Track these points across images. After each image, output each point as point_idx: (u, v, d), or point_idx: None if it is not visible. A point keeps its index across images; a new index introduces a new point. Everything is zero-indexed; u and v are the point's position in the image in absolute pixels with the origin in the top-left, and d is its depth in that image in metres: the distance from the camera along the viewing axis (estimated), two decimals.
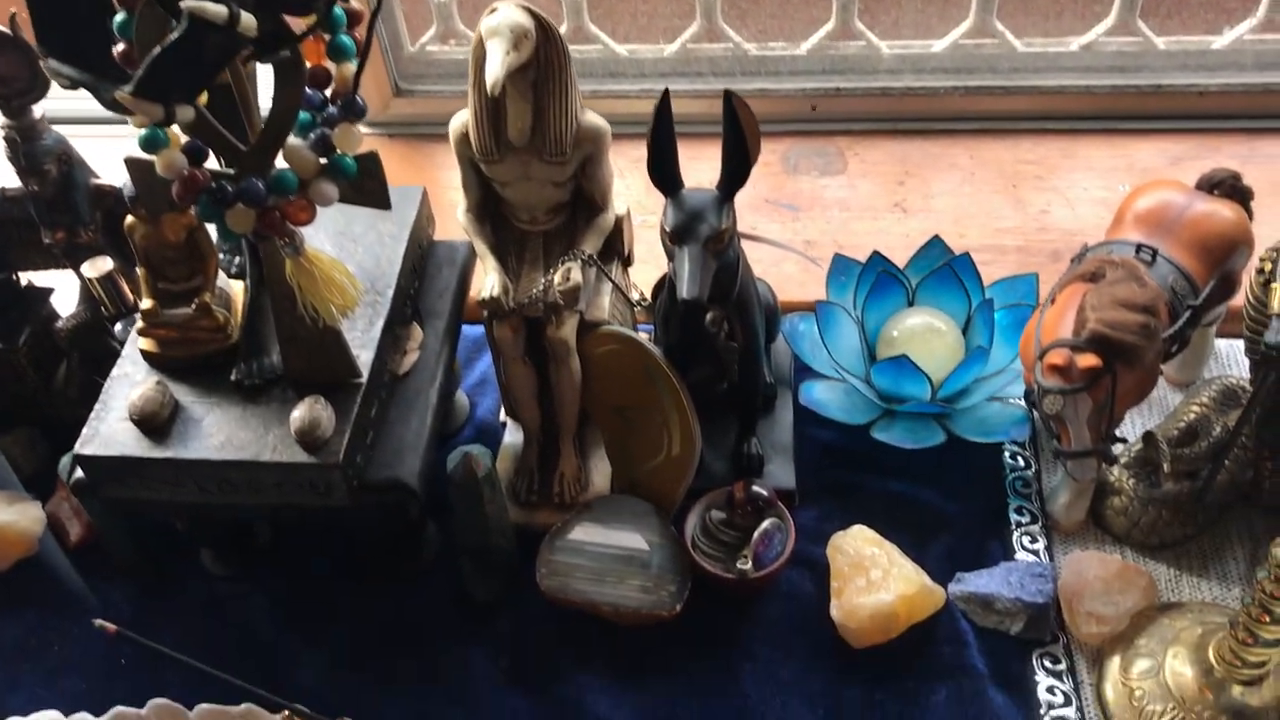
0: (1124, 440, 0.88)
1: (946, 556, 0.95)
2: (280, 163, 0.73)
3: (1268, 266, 0.84)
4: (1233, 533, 0.95)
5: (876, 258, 1.06)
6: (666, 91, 0.81)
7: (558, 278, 0.90)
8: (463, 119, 0.90)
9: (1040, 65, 1.26)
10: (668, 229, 0.81)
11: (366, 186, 0.74)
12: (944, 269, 1.04)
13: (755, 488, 0.94)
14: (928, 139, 1.28)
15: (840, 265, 1.08)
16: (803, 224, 1.21)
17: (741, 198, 1.24)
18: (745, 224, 1.22)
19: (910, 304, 1.07)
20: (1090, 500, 0.96)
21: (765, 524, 0.93)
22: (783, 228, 1.21)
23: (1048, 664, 0.88)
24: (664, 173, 0.82)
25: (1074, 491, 0.95)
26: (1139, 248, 0.87)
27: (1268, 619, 0.75)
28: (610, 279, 0.96)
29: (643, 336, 0.95)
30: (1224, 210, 0.91)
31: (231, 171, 0.72)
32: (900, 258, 1.07)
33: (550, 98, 0.86)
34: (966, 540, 0.96)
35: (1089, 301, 0.78)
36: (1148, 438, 0.92)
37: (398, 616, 0.95)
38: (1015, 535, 0.96)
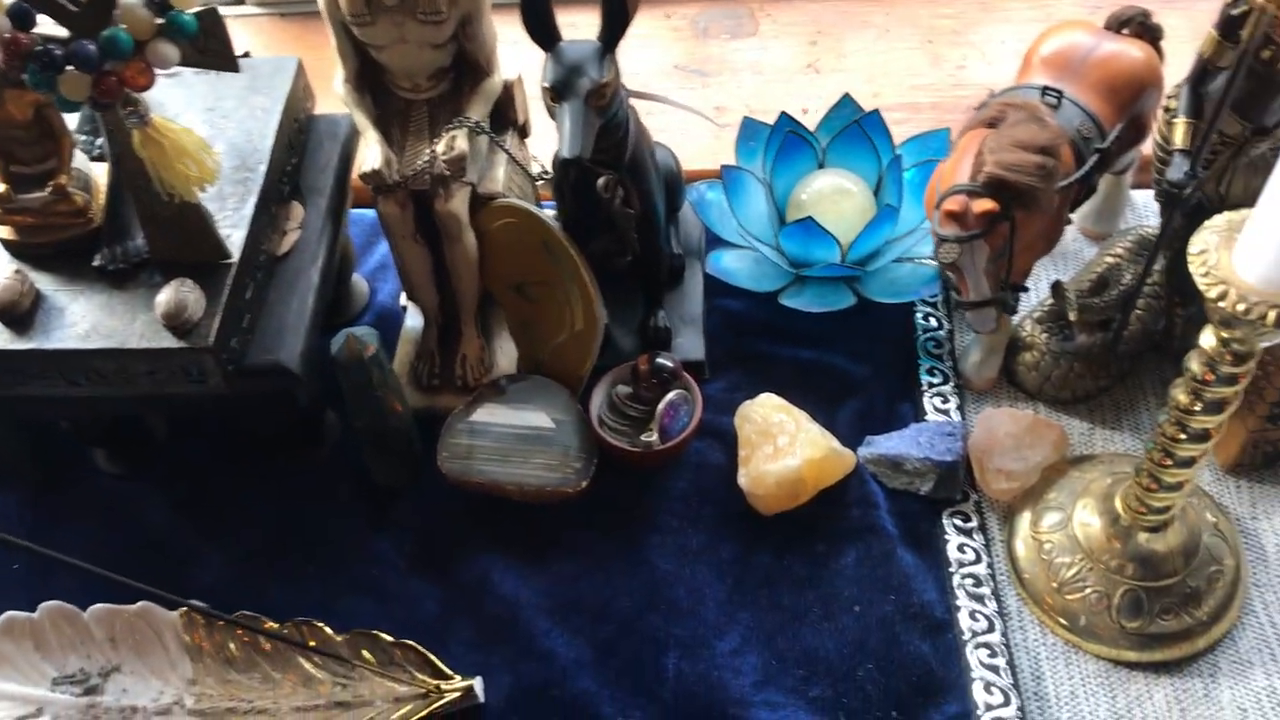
0: (1024, 289, 0.85)
1: (857, 420, 0.94)
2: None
3: (1172, 104, 0.81)
4: (1146, 383, 0.94)
5: (784, 119, 1.02)
6: None
7: (441, 147, 0.85)
8: None
9: None
10: (546, 84, 0.77)
11: (209, 47, 0.69)
12: (853, 128, 1.01)
13: (660, 360, 0.91)
14: None
15: (748, 129, 1.04)
16: (713, 90, 1.17)
17: (650, 64, 1.21)
18: (652, 90, 1.18)
19: (821, 166, 1.03)
20: (1002, 357, 0.94)
21: (670, 396, 0.90)
22: (693, 94, 1.17)
23: (958, 522, 0.87)
24: (538, 24, 0.77)
25: (985, 349, 0.93)
26: (1044, 90, 0.84)
27: (1170, 462, 0.74)
28: (502, 148, 0.92)
29: (542, 210, 0.91)
30: (1132, 50, 0.87)
31: (63, 35, 0.67)
32: (814, 120, 1.03)
33: None
34: (877, 403, 0.95)
35: (987, 145, 0.75)
36: (1055, 288, 0.90)
37: (300, 507, 0.93)
38: (927, 396, 0.94)
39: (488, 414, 0.92)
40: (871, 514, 0.88)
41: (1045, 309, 0.93)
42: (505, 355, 0.98)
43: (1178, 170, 0.75)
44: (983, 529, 0.87)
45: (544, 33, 0.77)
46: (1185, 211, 0.77)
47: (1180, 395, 0.69)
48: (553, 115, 0.78)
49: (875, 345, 0.98)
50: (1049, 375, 0.91)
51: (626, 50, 1.15)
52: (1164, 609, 0.80)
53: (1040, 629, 0.82)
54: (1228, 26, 0.72)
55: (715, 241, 1.03)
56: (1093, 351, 0.91)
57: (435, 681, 0.80)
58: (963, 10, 1.21)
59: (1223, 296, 0.59)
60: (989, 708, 0.77)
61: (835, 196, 0.99)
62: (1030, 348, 0.92)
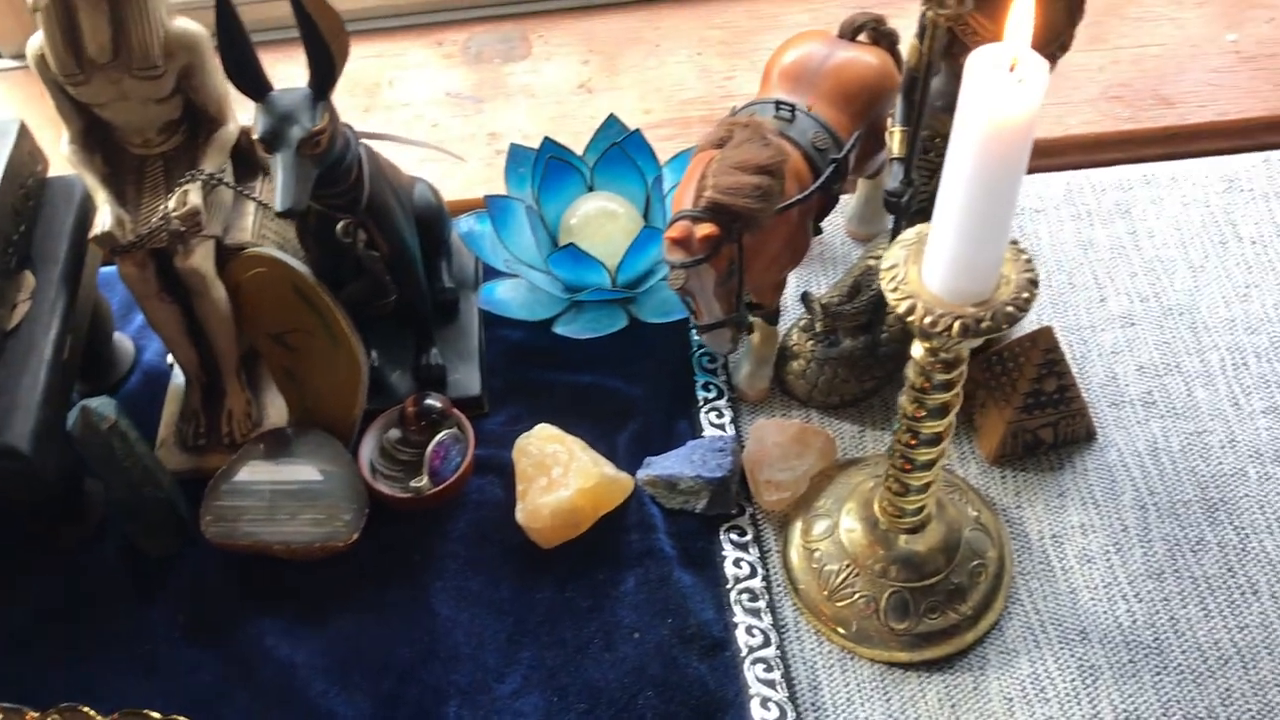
0: (763, 308, 0.86)
1: (637, 442, 0.93)
2: None
3: (894, 112, 0.82)
4: None
5: (547, 144, 1.01)
6: None
7: (173, 203, 0.82)
8: (39, 38, 0.81)
9: None
10: (255, 137, 0.75)
11: None
12: (616, 150, 1.00)
13: (429, 401, 0.90)
14: (613, 14, 1.22)
15: (516, 155, 1.03)
16: (487, 115, 1.16)
17: (422, 92, 1.19)
18: (426, 120, 1.17)
19: (591, 189, 1.02)
20: (773, 367, 0.95)
21: (440, 436, 0.89)
22: (467, 121, 1.15)
23: (735, 537, 0.88)
24: (243, 75, 0.75)
25: (755, 360, 0.94)
26: (778, 105, 0.84)
27: (910, 467, 0.75)
28: (249, 196, 0.89)
29: (289, 256, 0.88)
30: (866, 56, 0.88)
31: None
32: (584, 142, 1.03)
33: (127, 5, 0.78)
34: (656, 423, 0.94)
35: (710, 169, 0.75)
36: (804, 298, 0.91)
37: (66, 584, 0.89)
38: (703, 412, 0.94)
39: (251, 472, 0.89)
40: (650, 537, 0.88)
41: (806, 317, 0.94)
42: (276, 408, 0.96)
43: (894, 179, 0.76)
44: (758, 542, 0.88)
45: (251, 83, 0.75)
46: (908, 217, 0.78)
47: (906, 403, 0.70)
48: (266, 168, 0.76)
49: (652, 365, 0.98)
50: (816, 382, 0.92)
51: (400, 80, 1.13)
52: (930, 608, 0.81)
53: (817, 638, 0.83)
54: (926, 31, 0.73)
55: (491, 272, 1.02)
56: (855, 355, 0.92)
57: None
58: (732, 20, 1.21)
59: (911, 310, 0.60)
60: None
61: (601, 220, 0.98)
62: (797, 356, 0.93)
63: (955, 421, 0.71)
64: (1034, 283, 0.60)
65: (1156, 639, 0.81)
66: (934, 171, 0.80)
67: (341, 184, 0.80)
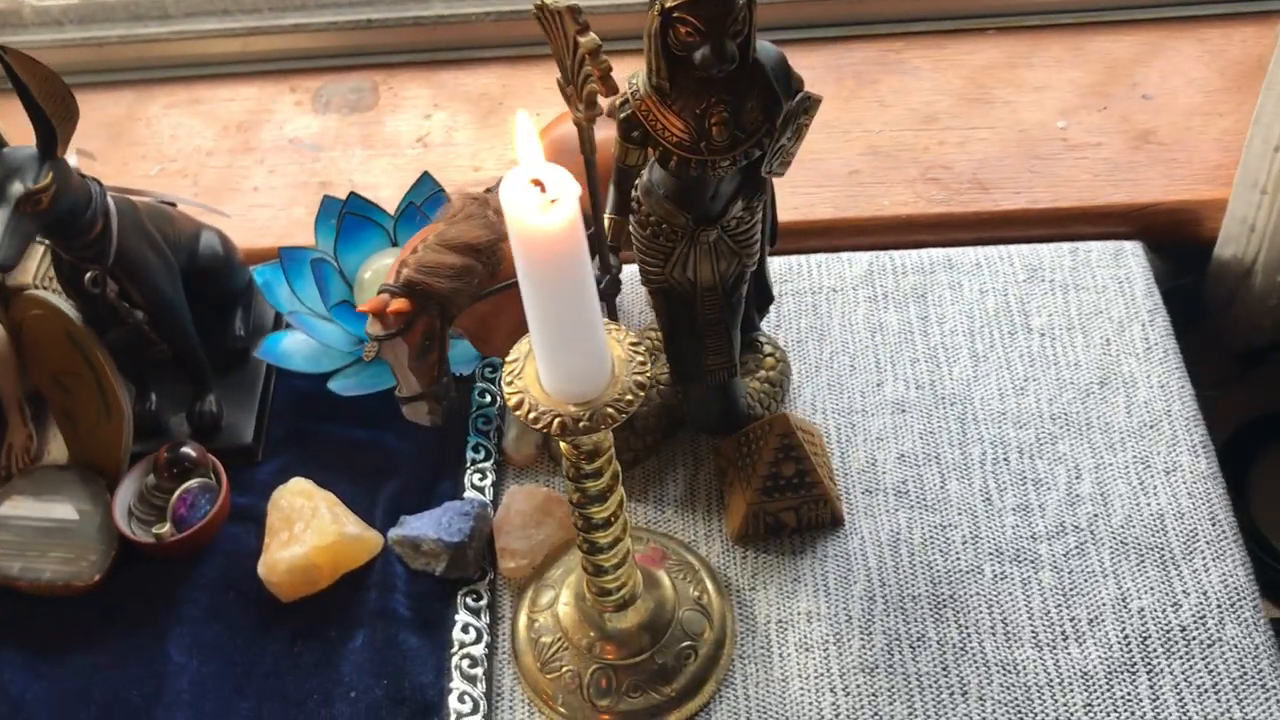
0: (459, 377, 0.87)
1: (397, 499, 0.95)
2: None
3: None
4: (676, 455, 0.96)
5: (352, 198, 1.03)
6: None
7: None
8: None
9: None
10: None
11: None
12: (413, 209, 1.02)
13: (183, 449, 0.92)
14: (462, 68, 1.25)
15: (327, 207, 1.05)
16: (323, 164, 1.18)
17: (268, 139, 1.21)
18: (265, 166, 1.19)
19: (395, 244, 1.04)
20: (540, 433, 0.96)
21: (188, 484, 0.91)
22: (301, 169, 1.18)
23: (470, 601, 0.89)
24: None
25: (523, 424, 0.95)
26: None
27: (591, 549, 0.75)
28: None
29: (62, 301, 0.91)
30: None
31: None
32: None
33: None
34: (420, 482, 0.96)
35: (422, 243, 0.77)
36: None
37: None
38: (468, 473, 0.96)
39: (13, 506, 0.92)
40: (388, 597, 0.89)
41: None
42: (58, 444, 0.98)
43: (602, 267, 0.77)
44: (493, 608, 0.89)
45: None
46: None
47: (570, 491, 0.71)
48: None
49: None
50: None
51: (248, 125, 1.17)
52: (632, 687, 0.81)
53: (529, 709, 0.84)
54: (623, 128, 0.74)
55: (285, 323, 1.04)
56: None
57: None
58: None
59: (519, 405, 0.61)
60: None
61: None
62: None
63: (621, 508, 0.72)
64: (641, 386, 0.61)
65: None
66: (666, 256, 0.81)
67: (83, 237, 0.83)
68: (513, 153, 0.55)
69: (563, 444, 0.67)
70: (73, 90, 0.78)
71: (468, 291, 0.76)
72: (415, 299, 0.74)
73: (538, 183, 0.52)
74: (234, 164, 1.19)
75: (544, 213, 0.52)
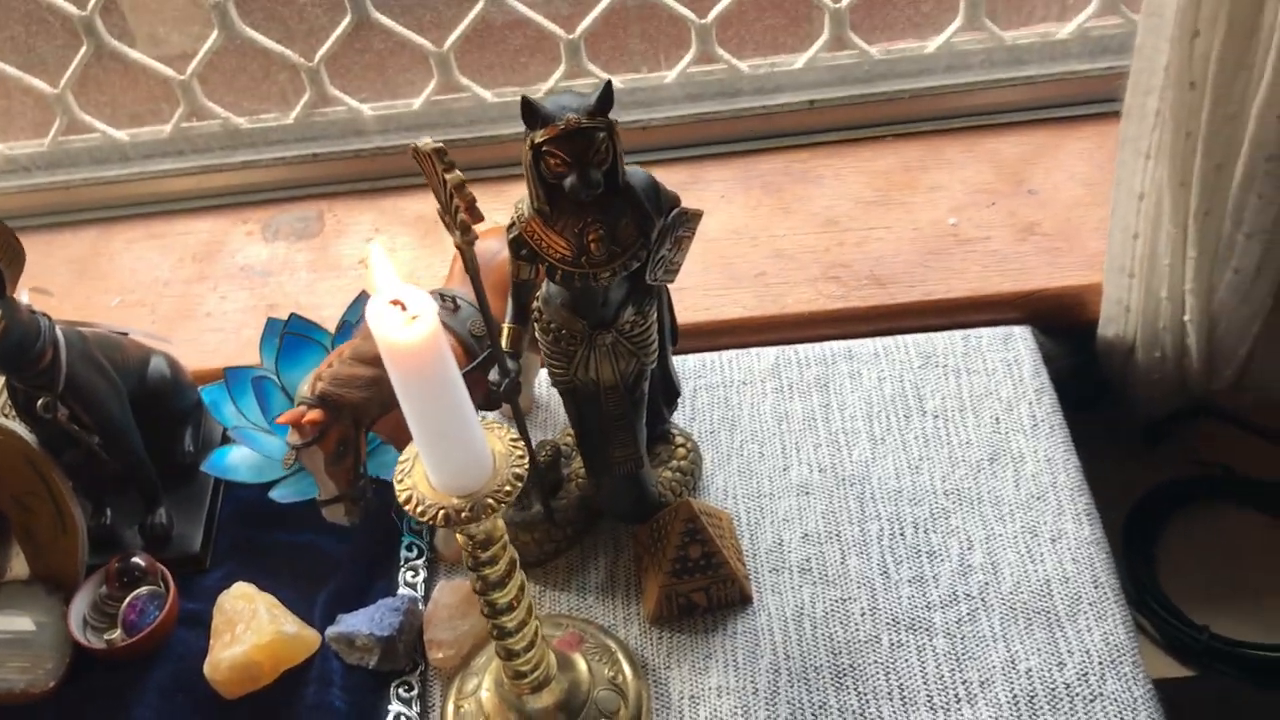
0: (374, 480, 0.94)
1: (335, 599, 1.01)
2: None
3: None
4: (599, 544, 1.03)
5: (293, 319, 1.11)
6: None
7: None
8: None
9: (495, 115, 1.34)
10: None
11: None
12: (349, 325, 1.10)
13: (133, 560, 0.99)
14: (401, 195, 1.34)
15: (270, 327, 1.13)
16: (271, 288, 1.27)
17: (218, 267, 1.30)
18: (218, 292, 1.28)
19: None
20: None
21: (138, 592, 0.97)
22: (251, 294, 1.26)
23: (401, 692, 0.94)
24: None
25: None
26: (442, 296, 0.94)
27: (500, 634, 0.81)
28: None
29: (19, 426, 0.99)
30: None
31: None
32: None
33: None
34: (354, 583, 1.02)
35: (338, 357, 0.84)
36: None
37: None
38: (402, 571, 1.02)
39: None
40: (325, 691, 0.95)
41: None
42: (20, 560, 1.05)
43: (495, 374, 0.84)
44: (423, 697, 0.94)
45: None
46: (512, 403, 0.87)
47: (473, 580, 0.77)
48: None
49: (364, 526, 1.05)
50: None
51: (203, 256, 1.26)
52: None
53: None
54: (513, 247, 0.83)
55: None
56: (536, 521, 0.99)
57: None
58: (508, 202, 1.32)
59: (409, 501, 0.68)
60: None
61: None
62: None
63: (524, 593, 0.79)
64: (519, 477, 0.68)
65: None
66: (569, 359, 0.89)
67: (34, 367, 0.91)
68: (370, 281, 0.63)
69: (458, 535, 0.74)
70: (40, 229, 0.87)
71: (379, 400, 0.83)
72: (328, 410, 0.81)
73: (398, 303, 0.60)
74: (188, 292, 1.28)
75: (406, 327, 0.60)
